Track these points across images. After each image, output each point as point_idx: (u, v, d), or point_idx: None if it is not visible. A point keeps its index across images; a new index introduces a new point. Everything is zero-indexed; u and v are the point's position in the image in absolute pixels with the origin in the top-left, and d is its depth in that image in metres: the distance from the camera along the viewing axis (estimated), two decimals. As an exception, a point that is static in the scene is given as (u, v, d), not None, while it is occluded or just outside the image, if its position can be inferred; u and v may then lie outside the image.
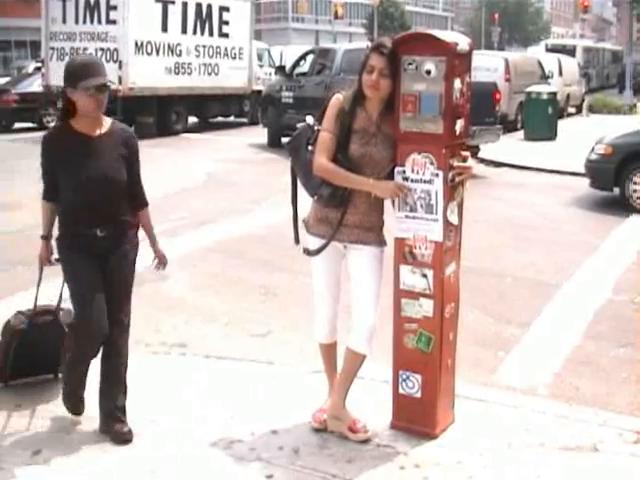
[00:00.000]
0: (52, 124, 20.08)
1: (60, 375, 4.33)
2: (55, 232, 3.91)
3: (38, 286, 4.16)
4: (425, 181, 3.59)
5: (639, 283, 6.80)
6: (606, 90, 37.35)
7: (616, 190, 10.30)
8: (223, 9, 19.96)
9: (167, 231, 8.60)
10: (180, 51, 18.80)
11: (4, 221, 9.12)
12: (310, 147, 3.73)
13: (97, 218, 3.73)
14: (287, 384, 4.48)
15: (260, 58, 22.82)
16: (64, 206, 3.77)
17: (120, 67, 17.14)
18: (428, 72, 3.51)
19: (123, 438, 3.74)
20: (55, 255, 3.93)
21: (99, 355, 3.85)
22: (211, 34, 19.73)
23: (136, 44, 17.52)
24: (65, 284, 3.92)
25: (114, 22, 17.27)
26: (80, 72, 3.60)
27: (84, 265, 3.75)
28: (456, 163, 3.61)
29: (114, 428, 3.77)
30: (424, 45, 3.55)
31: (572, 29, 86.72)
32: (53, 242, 3.91)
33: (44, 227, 3.91)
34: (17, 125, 20.09)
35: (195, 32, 19.25)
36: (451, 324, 3.81)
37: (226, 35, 20.19)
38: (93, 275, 3.75)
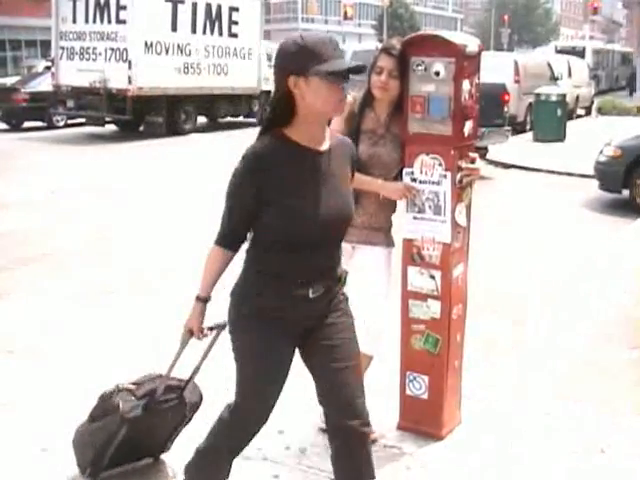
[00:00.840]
0: (61, 123, 20.28)
1: (162, 457, 3.54)
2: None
3: (174, 362, 3.12)
4: (433, 182, 3.59)
5: (648, 286, 6.78)
6: (616, 92, 37.24)
7: (625, 192, 10.27)
8: (233, 9, 20.02)
9: (173, 232, 8.63)
10: (189, 51, 18.85)
11: (6, 220, 9.16)
12: (319, 148, 3.74)
13: (314, 271, 2.63)
14: (294, 384, 4.47)
15: (269, 58, 22.82)
16: (263, 253, 2.63)
17: (129, 67, 17.20)
18: (437, 73, 3.51)
19: None
20: (209, 324, 2.87)
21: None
22: (220, 34, 19.79)
23: (145, 44, 17.58)
24: (209, 352, 3.11)
25: (124, 22, 17.35)
26: (314, 51, 2.45)
27: (277, 345, 2.68)
28: (464, 164, 3.61)
29: None
30: (433, 46, 3.55)
31: (582, 30, 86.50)
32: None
33: (206, 284, 2.77)
34: (26, 124, 20.16)
35: (205, 32, 19.31)
36: (458, 325, 3.81)
37: (235, 35, 20.25)
38: (284, 360, 2.73)
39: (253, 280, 2.67)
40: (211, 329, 2.88)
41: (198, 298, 2.79)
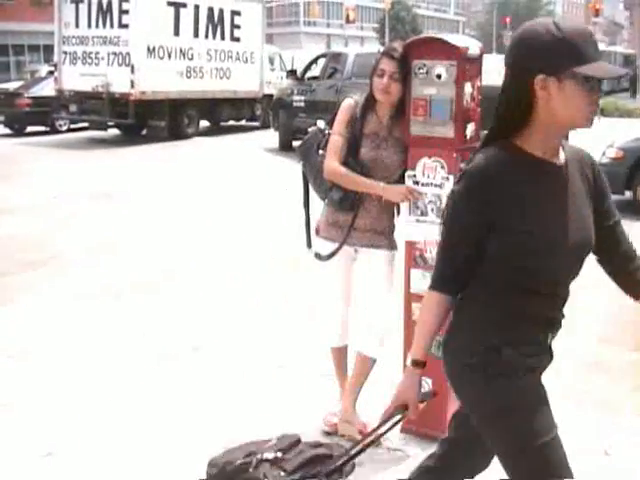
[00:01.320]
0: (64, 128, 20.32)
1: None
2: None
3: (368, 442, 2.43)
4: (436, 185, 3.60)
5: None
6: (618, 94, 37.20)
7: (628, 194, 10.28)
8: (235, 13, 20.04)
9: (176, 235, 8.65)
10: (192, 55, 18.86)
11: (9, 225, 9.17)
12: (321, 151, 3.75)
13: (554, 312, 2.19)
14: (298, 387, 4.48)
15: (272, 62, 22.87)
16: (496, 293, 2.12)
17: (132, 71, 17.23)
18: (439, 76, 3.52)
19: None
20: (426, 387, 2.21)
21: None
22: (223, 38, 19.81)
23: (148, 48, 17.59)
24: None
25: (126, 26, 17.35)
26: (575, 47, 1.94)
27: (546, 400, 2.24)
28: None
29: None
30: (435, 49, 3.56)
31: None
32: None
33: (423, 343, 2.23)
34: (29, 129, 20.19)
35: (207, 36, 19.33)
36: (461, 328, 3.81)
37: (238, 39, 20.26)
38: (550, 412, 2.23)
39: (491, 329, 2.13)
40: (422, 402, 2.30)
41: (415, 363, 2.23)
